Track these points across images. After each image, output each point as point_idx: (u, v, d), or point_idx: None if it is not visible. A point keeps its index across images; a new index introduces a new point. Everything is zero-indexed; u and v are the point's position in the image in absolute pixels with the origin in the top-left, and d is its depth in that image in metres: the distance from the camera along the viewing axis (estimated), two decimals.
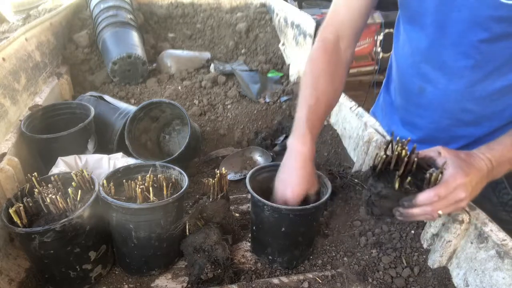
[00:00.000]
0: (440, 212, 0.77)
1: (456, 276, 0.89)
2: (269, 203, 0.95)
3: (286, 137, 1.66)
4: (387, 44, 2.50)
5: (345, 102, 1.49)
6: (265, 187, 1.06)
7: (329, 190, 1.00)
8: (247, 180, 1.02)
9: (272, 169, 1.10)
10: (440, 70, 0.97)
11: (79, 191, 0.97)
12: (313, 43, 1.94)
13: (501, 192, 1.04)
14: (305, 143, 0.94)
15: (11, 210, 0.87)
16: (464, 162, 0.78)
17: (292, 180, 0.94)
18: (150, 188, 0.98)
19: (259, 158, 1.68)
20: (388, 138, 1.18)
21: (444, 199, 0.76)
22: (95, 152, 1.38)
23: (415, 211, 0.79)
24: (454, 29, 0.89)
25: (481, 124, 0.99)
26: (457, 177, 0.75)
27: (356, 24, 1.04)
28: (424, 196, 0.77)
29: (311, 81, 1.02)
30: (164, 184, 1.00)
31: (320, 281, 0.94)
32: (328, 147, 1.57)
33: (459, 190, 0.75)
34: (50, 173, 1.11)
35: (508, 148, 0.81)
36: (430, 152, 0.83)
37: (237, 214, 1.26)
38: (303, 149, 0.94)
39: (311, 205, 0.95)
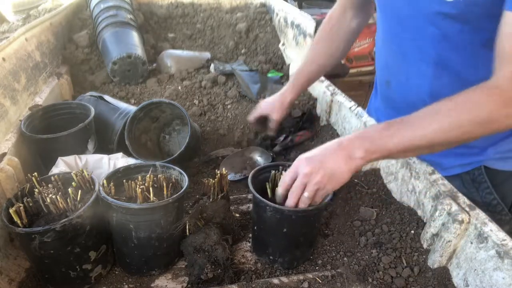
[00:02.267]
0: (305, 194, 0.85)
1: (456, 276, 0.89)
2: (272, 204, 0.95)
3: (286, 137, 1.66)
4: None
5: (345, 102, 1.49)
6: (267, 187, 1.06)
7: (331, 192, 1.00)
8: (249, 180, 1.02)
9: (273, 169, 1.10)
10: (403, 64, 1.02)
11: (79, 191, 0.97)
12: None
13: (484, 192, 1.04)
14: (288, 87, 1.36)
15: (11, 210, 0.87)
16: (309, 151, 0.88)
17: (270, 99, 1.41)
18: (150, 188, 0.98)
19: (259, 158, 1.68)
20: None
21: (296, 182, 0.86)
22: (95, 152, 1.38)
23: (290, 201, 0.89)
24: (411, 23, 0.93)
25: None
26: (296, 160, 0.87)
27: None
28: (279, 184, 0.91)
29: (313, 45, 1.29)
30: (164, 184, 1.00)
31: (320, 281, 0.94)
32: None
33: (300, 165, 0.85)
34: (50, 173, 1.11)
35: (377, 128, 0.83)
36: None
37: (237, 214, 1.26)
38: (285, 90, 1.36)
39: (314, 206, 0.95)
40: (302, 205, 0.88)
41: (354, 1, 1.16)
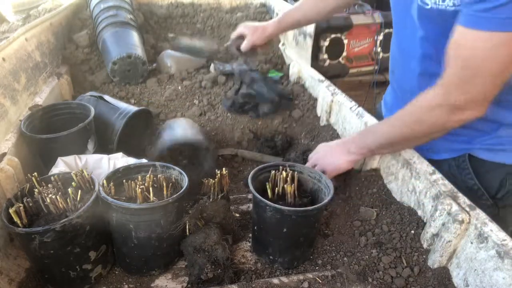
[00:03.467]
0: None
1: (456, 276, 0.89)
2: (272, 203, 0.95)
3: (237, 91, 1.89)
4: (387, 44, 2.50)
5: (345, 102, 1.49)
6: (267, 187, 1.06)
7: (331, 192, 1.00)
8: (249, 180, 1.02)
9: (273, 169, 1.10)
10: (401, 58, 1.17)
11: (79, 191, 0.97)
12: (312, 43, 1.96)
13: (466, 177, 1.11)
14: (270, 23, 1.56)
15: (11, 210, 0.87)
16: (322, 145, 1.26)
17: (250, 25, 1.60)
18: (150, 188, 0.98)
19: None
20: None
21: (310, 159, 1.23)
22: (95, 152, 1.38)
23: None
24: (407, 23, 1.06)
25: None
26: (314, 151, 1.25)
27: None
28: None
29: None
30: (164, 184, 1.00)
31: (320, 281, 0.94)
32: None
33: (315, 153, 1.23)
34: (50, 173, 1.11)
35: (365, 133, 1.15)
36: None
37: (237, 214, 1.26)
38: (266, 23, 1.56)
39: (314, 206, 0.95)
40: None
41: None
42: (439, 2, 0.90)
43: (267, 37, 1.56)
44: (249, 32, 1.55)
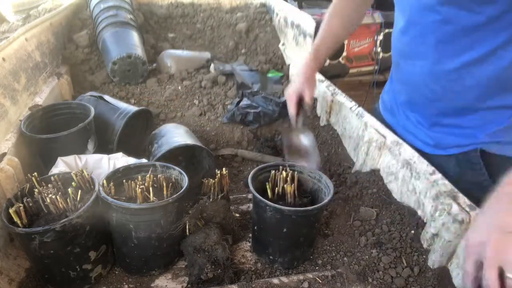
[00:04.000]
0: (508, 274, 0.60)
1: (456, 276, 0.88)
2: (271, 203, 0.95)
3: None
4: (387, 44, 2.50)
5: (345, 102, 1.48)
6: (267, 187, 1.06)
7: (331, 192, 1.00)
8: (249, 180, 1.02)
9: (273, 169, 1.10)
10: (408, 48, 1.11)
11: (79, 191, 0.97)
12: (313, 43, 1.96)
13: (477, 173, 1.08)
14: (307, 63, 1.35)
15: (11, 210, 0.87)
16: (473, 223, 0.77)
17: (295, 80, 1.35)
18: (150, 188, 0.98)
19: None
20: (390, 137, 1.18)
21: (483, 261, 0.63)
22: (95, 152, 1.38)
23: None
24: (416, 11, 1.02)
25: (444, 102, 1.07)
26: (467, 235, 0.72)
27: None
28: (465, 279, 0.67)
29: (328, 20, 1.34)
30: (164, 184, 1.00)
31: (320, 281, 0.94)
32: (328, 147, 1.57)
33: (473, 243, 0.67)
34: (50, 173, 1.11)
35: None
36: None
37: (237, 214, 1.26)
38: (305, 67, 1.35)
39: (314, 206, 0.95)
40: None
41: None
42: None
43: (315, 80, 1.38)
44: (303, 90, 1.30)
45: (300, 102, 1.31)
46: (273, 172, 1.08)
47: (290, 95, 1.32)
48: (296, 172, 1.11)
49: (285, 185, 1.05)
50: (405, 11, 1.07)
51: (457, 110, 1.05)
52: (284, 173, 1.07)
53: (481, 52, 0.94)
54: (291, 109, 1.32)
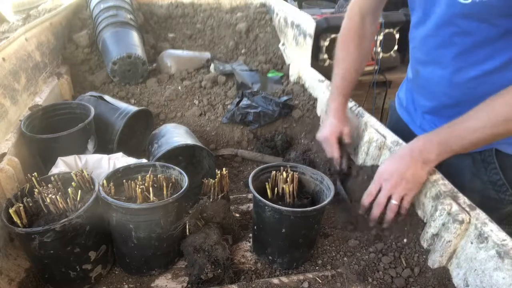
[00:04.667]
0: (393, 201, 0.97)
1: (456, 276, 0.89)
2: (270, 203, 0.95)
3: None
4: (387, 44, 2.50)
5: None
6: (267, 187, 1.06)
7: (332, 193, 1.00)
8: (249, 180, 1.02)
9: (274, 170, 1.10)
10: (427, 57, 1.11)
11: (79, 191, 0.97)
12: (312, 43, 1.96)
13: (492, 172, 1.09)
14: (335, 100, 1.29)
15: (11, 210, 0.87)
16: (388, 158, 1.02)
17: (327, 124, 1.28)
18: (150, 188, 0.98)
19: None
20: (390, 137, 1.18)
21: (382, 189, 0.98)
22: (95, 152, 1.38)
23: (374, 211, 1.00)
24: (433, 22, 1.03)
25: (463, 107, 1.05)
26: (378, 170, 1.01)
27: (376, 2, 1.24)
28: (364, 196, 1.01)
29: (342, 56, 1.29)
30: (164, 184, 1.00)
31: (320, 281, 0.94)
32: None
33: (384, 178, 0.98)
34: (50, 173, 1.11)
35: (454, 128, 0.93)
36: None
37: (237, 214, 1.26)
38: (335, 105, 1.28)
39: (312, 207, 0.95)
40: (391, 213, 0.99)
41: (372, 8, 1.24)
42: None
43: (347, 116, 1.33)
44: (340, 129, 1.26)
45: (339, 143, 1.26)
46: (273, 172, 1.08)
47: (328, 138, 1.24)
48: (297, 173, 1.11)
49: (284, 185, 1.05)
50: (424, 22, 1.07)
51: None
52: (284, 174, 1.07)
53: (501, 61, 0.95)
54: (335, 151, 1.24)
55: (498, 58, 0.95)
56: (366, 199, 1.02)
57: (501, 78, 0.96)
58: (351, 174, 1.24)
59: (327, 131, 1.25)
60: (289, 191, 1.04)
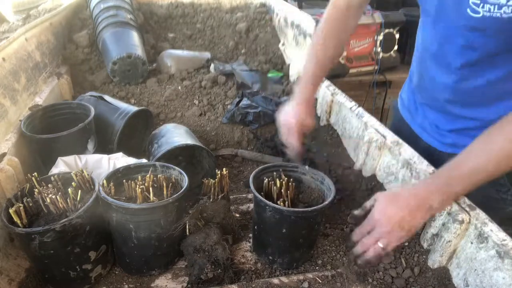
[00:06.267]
0: (380, 244, 0.87)
1: (456, 276, 0.89)
2: (271, 203, 0.95)
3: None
4: (387, 44, 2.50)
5: (345, 102, 1.48)
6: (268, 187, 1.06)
7: (332, 194, 1.00)
8: (250, 180, 1.02)
9: (275, 170, 1.10)
10: (434, 63, 1.10)
11: (79, 191, 0.97)
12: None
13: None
14: (306, 88, 1.21)
15: (11, 210, 0.87)
16: (388, 199, 0.90)
17: (294, 109, 1.17)
18: (150, 188, 0.98)
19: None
20: (390, 137, 1.18)
21: (373, 231, 0.88)
22: (95, 152, 1.38)
23: (357, 248, 0.90)
24: (443, 32, 1.02)
25: (465, 112, 1.07)
26: (376, 210, 0.89)
27: None
28: (356, 232, 0.91)
29: (320, 40, 1.24)
30: (164, 184, 1.00)
31: (320, 281, 0.94)
32: (328, 147, 1.57)
33: (379, 223, 0.87)
34: (50, 173, 1.11)
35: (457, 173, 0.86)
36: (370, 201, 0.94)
37: (237, 214, 1.26)
38: (305, 93, 1.21)
39: (313, 208, 0.95)
40: (372, 253, 0.89)
41: (357, 2, 1.22)
42: (494, 9, 0.85)
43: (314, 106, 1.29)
44: (303, 119, 1.17)
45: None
46: (266, 180, 1.06)
47: (290, 123, 1.15)
48: (298, 174, 1.11)
49: (282, 190, 1.04)
50: (433, 28, 1.06)
51: (477, 117, 1.06)
52: (278, 182, 1.04)
53: (506, 71, 0.95)
54: (294, 140, 1.14)
55: (502, 67, 0.95)
56: (356, 236, 0.93)
57: (505, 86, 0.97)
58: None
59: (293, 117, 1.15)
60: (285, 199, 1.01)
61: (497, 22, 0.87)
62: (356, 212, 0.96)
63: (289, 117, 1.16)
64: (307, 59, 1.26)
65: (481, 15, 0.88)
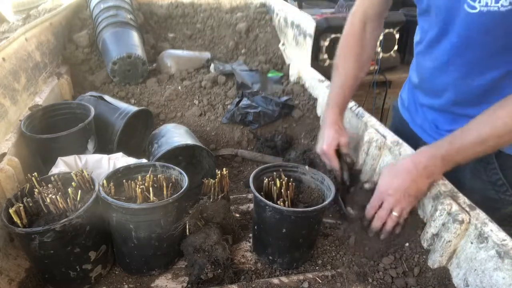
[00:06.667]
0: (394, 213, 0.98)
1: (456, 276, 0.89)
2: (271, 203, 0.95)
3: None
4: (387, 44, 2.50)
5: None
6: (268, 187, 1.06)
7: (333, 194, 1.00)
8: (250, 180, 1.02)
9: (275, 170, 1.10)
10: (431, 63, 1.10)
11: (79, 191, 0.97)
12: (312, 43, 1.96)
13: (491, 172, 1.08)
14: (331, 111, 1.24)
15: (11, 210, 0.87)
16: (391, 171, 1.00)
17: (324, 136, 1.22)
18: (150, 188, 0.98)
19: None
20: (390, 137, 1.18)
21: (384, 202, 0.99)
22: (95, 152, 1.38)
23: (375, 223, 1.01)
24: (439, 30, 1.01)
25: (465, 110, 1.07)
26: (381, 184, 1.00)
27: (381, 7, 1.21)
28: (368, 208, 1.02)
29: (341, 63, 1.26)
30: (164, 184, 1.00)
31: (320, 281, 0.94)
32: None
33: (387, 195, 0.97)
34: (50, 173, 1.11)
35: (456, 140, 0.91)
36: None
37: (237, 214, 1.26)
38: (331, 116, 1.24)
39: (313, 207, 0.95)
40: (391, 223, 1.00)
41: (376, 13, 1.21)
42: (491, 3, 0.85)
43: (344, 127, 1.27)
44: (337, 140, 1.20)
45: (338, 154, 1.21)
46: (266, 180, 1.07)
47: (326, 151, 1.19)
48: (298, 174, 1.11)
49: (282, 190, 1.04)
50: (432, 28, 1.06)
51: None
52: (278, 182, 1.04)
53: (504, 70, 0.95)
54: (334, 163, 1.19)
55: (503, 66, 0.95)
56: (370, 212, 1.03)
57: (506, 85, 0.97)
58: (354, 185, 1.20)
59: (325, 144, 1.20)
60: (285, 199, 1.01)
61: (495, 16, 0.85)
62: (366, 185, 1.07)
63: (324, 146, 1.20)
64: (332, 80, 1.29)
65: (478, 10, 0.87)
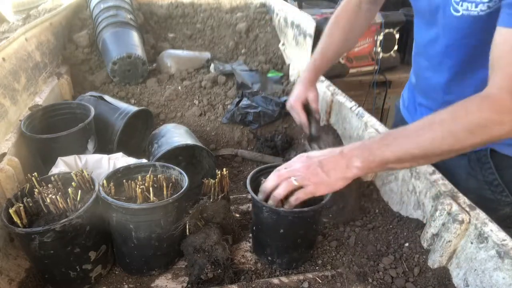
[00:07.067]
0: (293, 180, 0.86)
1: (456, 276, 0.89)
2: (268, 204, 0.95)
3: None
4: (387, 44, 2.50)
5: (345, 102, 1.49)
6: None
7: (329, 194, 0.99)
8: (247, 181, 1.02)
9: (272, 170, 1.10)
10: (426, 63, 1.12)
11: (79, 191, 0.97)
12: (313, 43, 1.96)
13: (487, 172, 1.09)
14: (307, 71, 1.30)
15: (11, 210, 0.87)
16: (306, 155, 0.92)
17: (293, 92, 1.29)
18: (150, 188, 0.98)
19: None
20: None
21: (287, 169, 0.89)
22: (95, 152, 1.38)
23: (267, 183, 0.91)
24: (432, 31, 1.03)
25: None
26: (296, 157, 0.91)
27: None
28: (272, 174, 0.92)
29: (328, 31, 1.30)
30: (164, 184, 1.00)
31: (320, 281, 0.94)
32: (328, 147, 1.57)
33: (297, 161, 0.88)
34: (50, 173, 1.11)
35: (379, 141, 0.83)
36: None
37: (237, 214, 1.26)
38: (305, 75, 1.30)
39: (310, 207, 0.95)
40: (282, 189, 0.88)
41: None
42: (471, 7, 0.87)
43: (316, 88, 1.33)
44: (307, 97, 1.27)
45: (306, 109, 1.27)
46: (262, 179, 1.07)
47: (293, 104, 1.26)
48: None
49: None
50: (426, 30, 1.07)
51: None
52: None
53: None
54: (301, 117, 1.25)
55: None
56: (272, 177, 0.91)
57: None
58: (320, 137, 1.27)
59: (293, 98, 1.28)
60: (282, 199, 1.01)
61: (476, 20, 0.87)
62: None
63: (292, 101, 1.27)
64: (316, 47, 1.32)
65: (460, 13, 0.89)
